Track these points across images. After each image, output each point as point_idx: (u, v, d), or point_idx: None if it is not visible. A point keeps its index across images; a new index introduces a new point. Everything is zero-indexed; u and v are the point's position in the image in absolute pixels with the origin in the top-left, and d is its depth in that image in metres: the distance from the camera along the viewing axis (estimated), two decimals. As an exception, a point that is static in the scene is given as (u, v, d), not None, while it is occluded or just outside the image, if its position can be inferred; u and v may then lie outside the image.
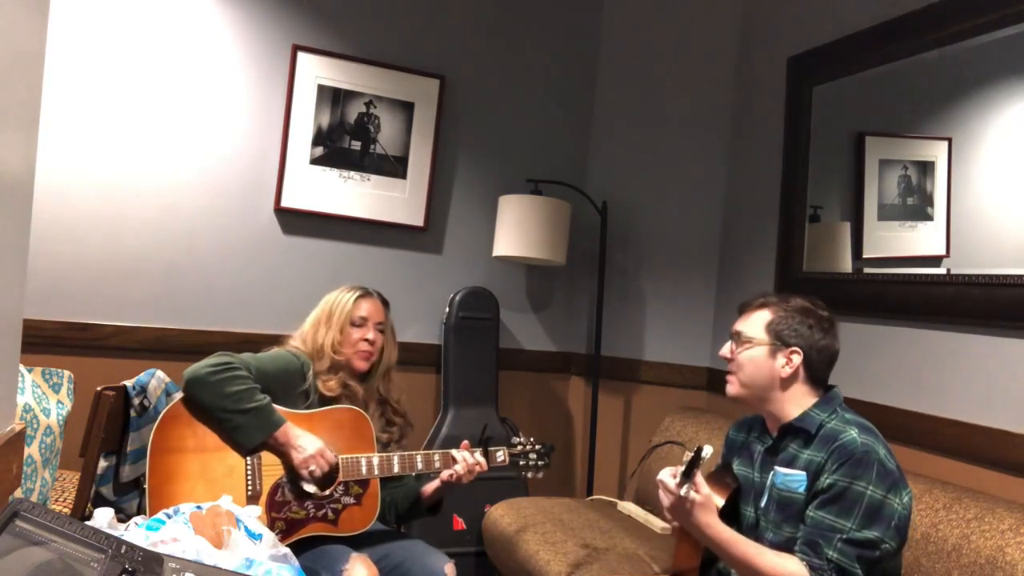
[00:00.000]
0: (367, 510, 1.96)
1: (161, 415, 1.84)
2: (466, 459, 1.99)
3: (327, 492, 1.92)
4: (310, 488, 1.90)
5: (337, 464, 1.91)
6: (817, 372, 1.61)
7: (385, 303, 2.17)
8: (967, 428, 1.98)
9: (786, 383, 1.60)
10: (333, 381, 2.02)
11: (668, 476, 1.51)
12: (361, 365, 2.08)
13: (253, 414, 1.84)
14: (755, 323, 1.63)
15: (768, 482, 1.61)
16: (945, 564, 1.71)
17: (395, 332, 2.19)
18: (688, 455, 1.46)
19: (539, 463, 2.11)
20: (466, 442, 2.04)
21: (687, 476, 1.45)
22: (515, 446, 2.11)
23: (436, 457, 2.00)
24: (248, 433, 1.84)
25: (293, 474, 1.89)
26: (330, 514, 1.92)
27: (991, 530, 1.66)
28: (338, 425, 1.97)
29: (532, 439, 2.14)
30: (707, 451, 1.44)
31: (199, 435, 1.85)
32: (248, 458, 1.87)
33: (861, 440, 1.48)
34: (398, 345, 2.19)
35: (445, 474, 1.99)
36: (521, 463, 2.10)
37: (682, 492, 1.45)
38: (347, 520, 1.93)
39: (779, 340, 1.59)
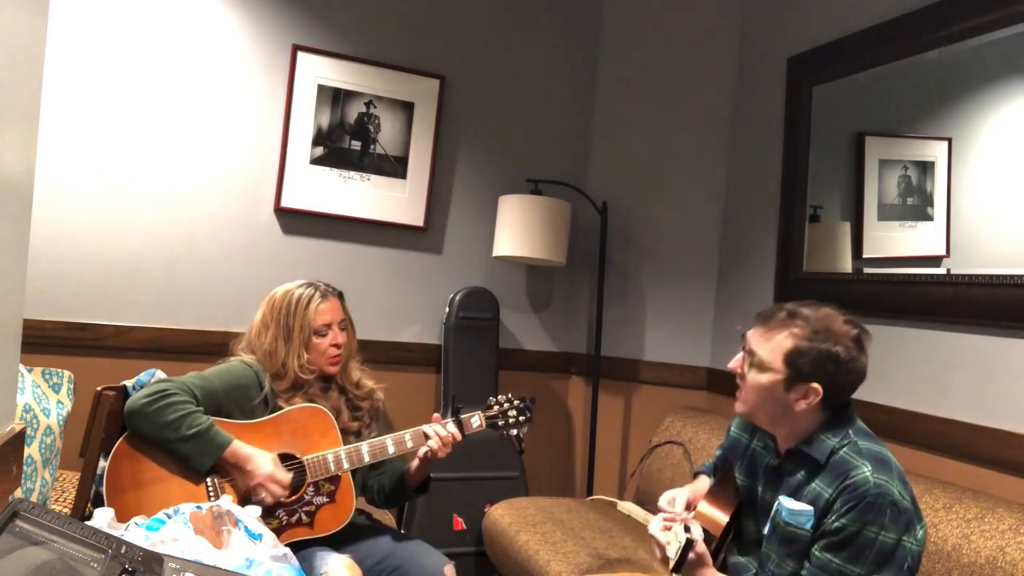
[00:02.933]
0: (342, 506, 1.91)
1: (110, 455, 1.79)
2: (438, 432, 1.93)
3: (295, 496, 1.87)
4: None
5: (292, 478, 1.85)
6: (835, 402, 1.48)
7: (340, 295, 2.07)
8: (967, 428, 1.98)
9: (800, 415, 1.48)
10: (297, 399, 1.96)
11: (659, 531, 1.51)
12: (334, 370, 2.02)
13: (195, 440, 1.77)
14: (773, 349, 1.47)
15: (773, 509, 1.53)
16: (945, 564, 1.71)
17: (352, 321, 2.10)
18: (676, 546, 1.46)
19: (520, 419, 2.02)
20: (436, 415, 1.99)
21: (679, 568, 1.45)
22: (490, 407, 2.03)
23: (407, 437, 1.94)
24: (196, 459, 1.78)
25: None
26: (304, 517, 1.88)
27: (991, 530, 1.66)
28: (298, 426, 1.91)
29: (509, 395, 2.05)
30: (697, 534, 1.46)
31: (154, 467, 1.79)
32: (207, 480, 1.82)
33: (874, 480, 1.37)
34: (357, 338, 2.11)
35: (420, 451, 1.95)
36: (500, 423, 2.01)
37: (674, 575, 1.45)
38: (323, 520, 1.89)
39: (798, 374, 1.44)
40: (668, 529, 1.52)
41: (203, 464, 1.80)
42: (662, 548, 1.50)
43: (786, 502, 1.48)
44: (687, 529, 1.47)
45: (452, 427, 1.96)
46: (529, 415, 2.04)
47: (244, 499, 1.83)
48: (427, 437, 1.94)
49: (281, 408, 1.94)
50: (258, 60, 2.78)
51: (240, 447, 1.81)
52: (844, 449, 1.44)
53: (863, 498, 1.37)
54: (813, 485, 1.46)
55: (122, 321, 2.62)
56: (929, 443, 2.07)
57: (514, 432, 2.02)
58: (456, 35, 3.06)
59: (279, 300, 2.01)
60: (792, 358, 1.44)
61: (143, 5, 2.62)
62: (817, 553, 1.42)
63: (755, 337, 1.51)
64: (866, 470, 1.39)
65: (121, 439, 1.81)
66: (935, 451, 2.06)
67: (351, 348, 2.08)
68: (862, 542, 1.36)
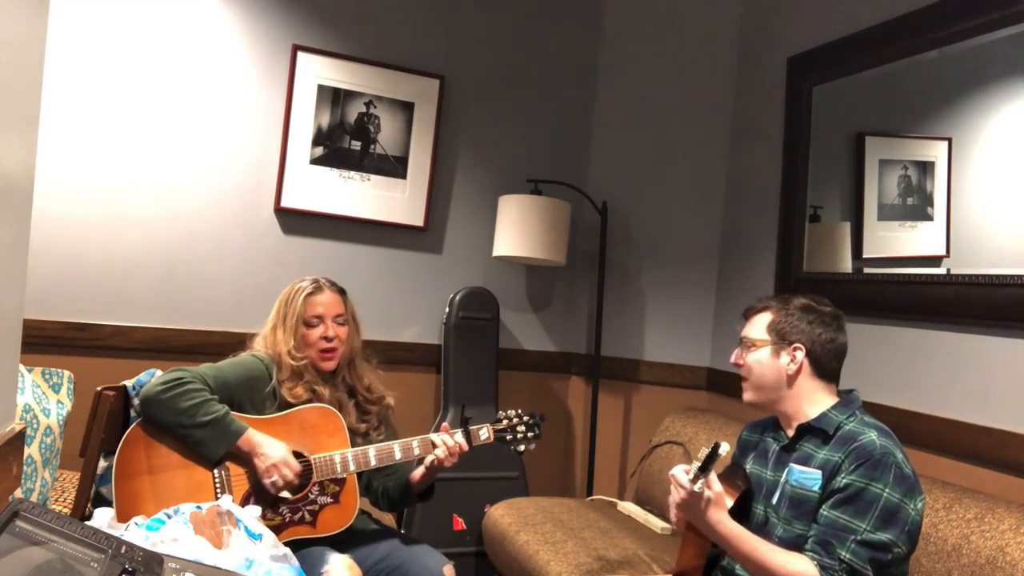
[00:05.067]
0: (346, 508, 1.92)
1: (122, 440, 1.80)
2: (445, 442, 1.94)
3: (300, 495, 1.88)
4: (282, 493, 1.86)
5: (304, 469, 1.87)
6: (824, 367, 1.62)
7: (341, 292, 2.09)
8: (967, 428, 1.98)
9: (793, 380, 1.61)
10: (299, 388, 1.97)
11: (681, 472, 1.52)
12: (327, 365, 2.02)
13: (211, 426, 1.80)
14: (758, 325, 1.67)
15: (782, 479, 1.61)
16: (945, 564, 1.71)
17: (357, 319, 2.11)
18: (704, 451, 1.47)
19: (528, 435, 2.04)
20: (445, 424, 2.00)
21: (703, 471, 1.46)
22: (499, 421, 2.04)
23: (415, 444, 1.95)
24: (210, 446, 1.81)
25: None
26: (307, 516, 1.89)
27: (991, 530, 1.66)
28: (307, 425, 1.93)
29: (519, 411, 2.06)
30: (724, 448, 1.45)
31: (163, 455, 1.81)
32: (215, 471, 1.84)
33: (880, 442, 1.49)
34: (361, 335, 2.11)
35: (427, 460, 1.95)
36: (508, 438, 2.03)
37: (695, 488, 1.46)
38: (326, 520, 1.90)
39: (781, 338, 1.62)
40: (688, 473, 1.52)
41: (216, 451, 1.82)
42: (680, 483, 1.50)
43: (796, 467, 1.59)
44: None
45: (460, 438, 1.96)
46: (537, 432, 2.06)
47: (253, 490, 1.85)
48: (434, 446, 1.94)
49: (286, 398, 1.95)
50: (258, 60, 2.78)
51: (255, 434, 1.85)
52: (851, 423, 1.56)
53: (869, 456, 1.47)
54: (822, 454, 1.56)
55: (122, 321, 2.62)
56: (929, 443, 2.07)
57: (521, 448, 2.04)
58: (456, 35, 3.06)
59: (285, 292, 2.09)
60: (773, 325, 1.64)
61: (143, 5, 2.62)
62: (825, 512, 1.49)
63: (744, 328, 1.72)
64: (872, 435, 1.51)
65: (134, 425, 1.83)
66: (935, 451, 2.06)
67: (352, 346, 2.08)
68: (868, 498, 1.45)
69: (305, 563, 1.77)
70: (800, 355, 1.60)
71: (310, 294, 2.03)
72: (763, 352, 1.64)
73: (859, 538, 1.44)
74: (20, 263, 1.13)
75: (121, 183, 2.61)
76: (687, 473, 1.50)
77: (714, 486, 1.49)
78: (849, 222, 2.47)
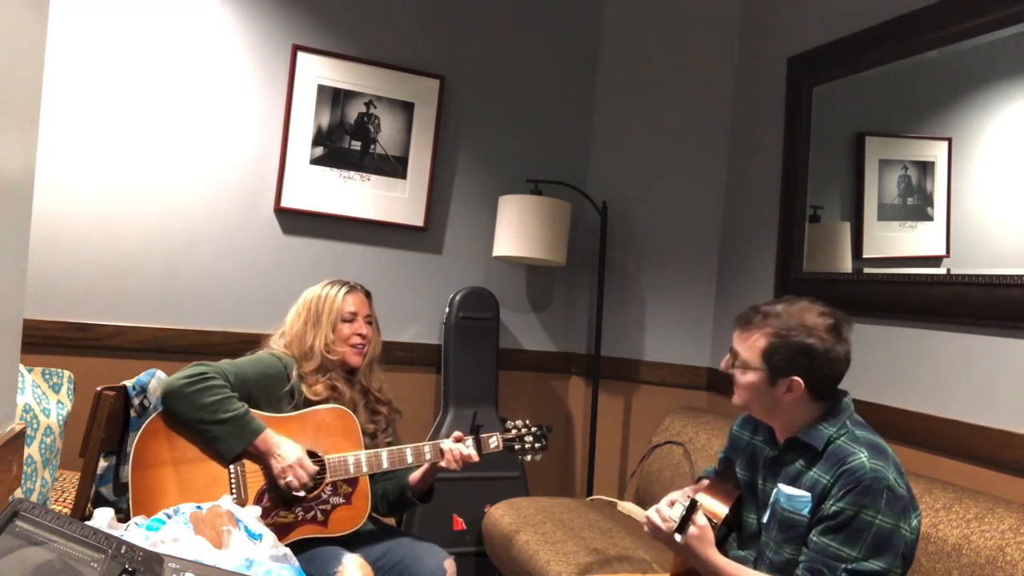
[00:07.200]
0: (357, 509, 1.95)
1: (140, 430, 1.82)
2: (451, 449, 1.97)
3: (314, 494, 1.91)
4: (296, 491, 1.89)
5: (318, 471, 1.89)
6: (824, 390, 1.52)
7: (367, 294, 2.17)
8: (967, 428, 1.98)
9: (788, 404, 1.52)
10: (320, 385, 2.00)
11: (656, 516, 1.54)
12: (356, 360, 2.07)
13: (231, 423, 1.82)
14: (752, 349, 1.53)
15: (772, 497, 1.57)
16: (945, 564, 1.71)
17: (378, 323, 2.18)
18: (681, 505, 1.49)
19: (536, 445, 2.09)
20: (458, 433, 2.03)
21: (682, 530, 1.48)
22: (509, 430, 2.09)
23: (426, 449, 1.98)
24: (227, 443, 1.83)
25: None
26: (319, 515, 1.91)
27: (991, 530, 1.66)
28: (323, 425, 1.96)
29: (527, 421, 2.12)
30: (700, 502, 1.49)
31: (180, 448, 1.83)
32: (231, 466, 1.86)
33: (871, 465, 1.41)
34: (382, 341, 2.19)
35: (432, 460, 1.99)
36: (516, 447, 2.07)
37: (678, 539, 1.47)
38: (337, 520, 1.92)
39: (776, 369, 1.50)
40: (672, 505, 1.56)
41: (233, 448, 1.84)
42: (657, 528, 1.54)
43: (784, 488, 1.52)
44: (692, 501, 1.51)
45: (471, 447, 2.00)
46: (544, 443, 2.11)
47: (268, 487, 1.88)
48: (444, 453, 1.98)
49: (304, 395, 1.98)
50: (258, 60, 2.78)
51: (272, 435, 1.87)
52: (842, 438, 1.48)
53: (860, 482, 1.40)
54: (811, 473, 1.49)
55: (122, 321, 2.62)
56: (929, 443, 2.07)
57: (528, 458, 2.09)
58: (456, 35, 3.06)
59: (311, 295, 2.12)
60: (768, 355, 1.50)
61: (143, 5, 2.62)
62: (815, 538, 1.44)
63: (736, 339, 1.58)
64: (863, 456, 1.43)
65: (153, 416, 1.85)
66: (935, 451, 2.06)
67: (376, 347, 2.14)
68: (859, 525, 1.39)
69: (317, 562, 1.79)
70: (798, 387, 1.49)
71: (347, 292, 2.10)
72: (756, 379, 1.52)
73: (849, 567, 1.39)
74: (20, 263, 1.13)
75: (121, 183, 2.61)
76: (659, 514, 1.53)
77: (698, 521, 1.49)
78: (849, 222, 2.47)
